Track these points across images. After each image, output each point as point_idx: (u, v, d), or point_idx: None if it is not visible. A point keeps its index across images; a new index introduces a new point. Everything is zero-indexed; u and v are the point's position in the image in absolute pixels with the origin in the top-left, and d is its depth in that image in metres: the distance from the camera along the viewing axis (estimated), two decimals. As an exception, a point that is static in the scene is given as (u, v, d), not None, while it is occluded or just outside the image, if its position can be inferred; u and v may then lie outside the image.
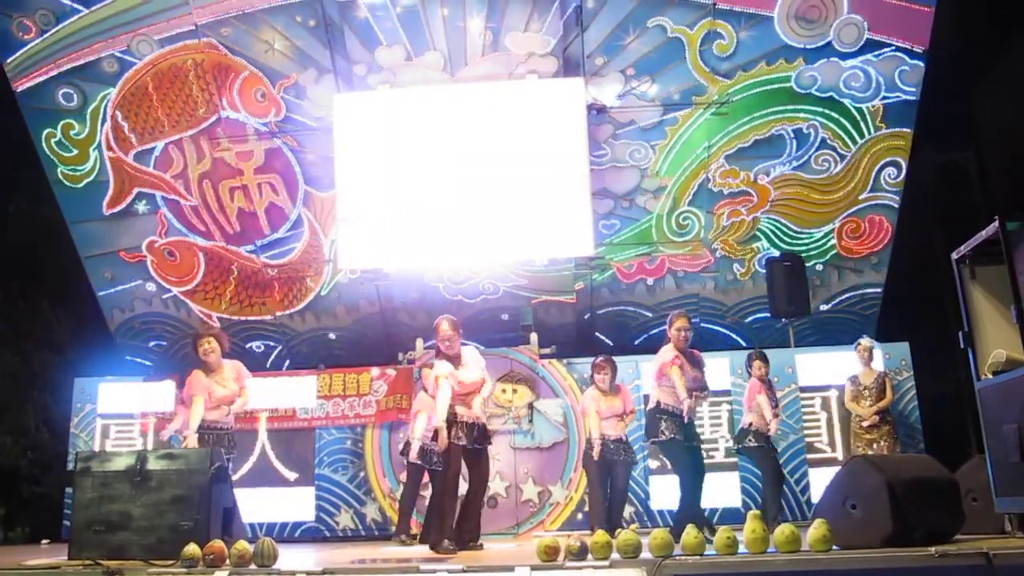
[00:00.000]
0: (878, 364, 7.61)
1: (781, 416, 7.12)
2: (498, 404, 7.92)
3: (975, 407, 4.62)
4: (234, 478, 6.58)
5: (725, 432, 7.87)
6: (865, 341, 7.53)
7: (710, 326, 9.06)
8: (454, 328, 5.62)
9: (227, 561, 3.96)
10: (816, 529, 3.64)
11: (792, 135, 8.44)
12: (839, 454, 7.73)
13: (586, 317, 9.15)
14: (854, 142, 8.40)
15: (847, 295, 8.92)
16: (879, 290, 8.83)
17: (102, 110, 8.64)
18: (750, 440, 6.67)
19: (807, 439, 7.85)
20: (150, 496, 4.66)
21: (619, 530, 4.32)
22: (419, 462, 6.67)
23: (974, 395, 4.62)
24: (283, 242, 9.09)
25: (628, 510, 7.62)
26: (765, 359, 6.87)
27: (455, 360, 5.62)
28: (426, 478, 6.78)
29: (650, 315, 9.04)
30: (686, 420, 5.74)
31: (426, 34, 8.37)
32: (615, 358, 6.53)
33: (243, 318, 9.29)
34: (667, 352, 5.89)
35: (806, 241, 8.75)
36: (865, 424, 7.26)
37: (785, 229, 8.76)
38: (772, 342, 8.70)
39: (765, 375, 6.80)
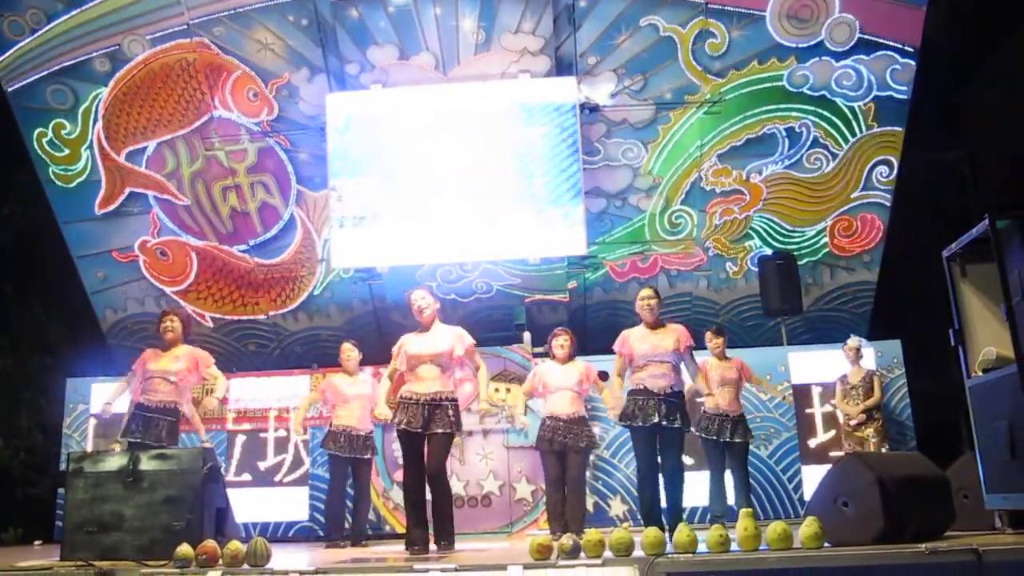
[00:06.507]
0: (868, 362, 7.61)
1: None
2: (491, 403, 7.91)
3: (966, 405, 4.64)
4: (226, 478, 6.58)
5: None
6: (852, 341, 7.47)
7: (703, 325, 9.06)
8: (423, 297, 5.31)
9: (220, 561, 3.96)
10: (808, 526, 3.66)
11: (784, 134, 8.46)
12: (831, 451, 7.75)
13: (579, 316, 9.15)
14: (846, 141, 8.42)
15: (839, 293, 8.95)
16: (871, 288, 8.86)
17: (94, 110, 8.62)
18: (702, 430, 6.56)
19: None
20: (143, 496, 4.66)
21: (570, 533, 4.12)
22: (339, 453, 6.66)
23: (965, 393, 4.64)
24: (276, 241, 9.08)
25: (620, 508, 7.64)
26: (719, 332, 6.83)
27: (423, 330, 5.26)
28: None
29: (643, 314, 9.04)
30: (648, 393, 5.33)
31: (419, 33, 8.36)
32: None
33: (236, 318, 9.27)
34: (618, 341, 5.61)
35: (798, 239, 8.77)
36: (853, 423, 7.26)
37: (777, 228, 8.78)
38: (765, 340, 8.73)
39: (719, 350, 6.73)
